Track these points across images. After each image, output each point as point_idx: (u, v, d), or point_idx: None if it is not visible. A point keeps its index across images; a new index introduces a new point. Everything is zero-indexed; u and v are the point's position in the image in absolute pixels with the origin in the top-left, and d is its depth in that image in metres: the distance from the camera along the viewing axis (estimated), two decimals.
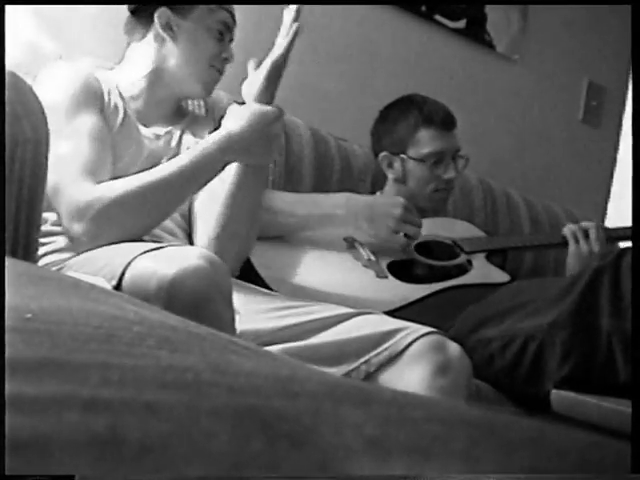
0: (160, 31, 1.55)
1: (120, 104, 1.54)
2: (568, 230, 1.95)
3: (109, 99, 1.53)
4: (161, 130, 1.59)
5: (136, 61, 1.58)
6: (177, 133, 1.60)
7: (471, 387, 1.47)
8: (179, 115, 1.67)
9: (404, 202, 1.75)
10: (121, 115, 1.52)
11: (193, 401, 0.29)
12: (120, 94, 1.56)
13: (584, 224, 1.95)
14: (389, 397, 0.35)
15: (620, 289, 1.48)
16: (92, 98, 1.48)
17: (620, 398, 1.31)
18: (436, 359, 1.36)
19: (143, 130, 1.55)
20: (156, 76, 1.57)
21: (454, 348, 1.40)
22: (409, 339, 1.38)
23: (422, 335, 1.38)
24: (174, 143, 1.58)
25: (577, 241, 1.92)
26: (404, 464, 0.25)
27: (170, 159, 1.51)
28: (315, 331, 1.42)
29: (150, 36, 1.56)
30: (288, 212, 1.73)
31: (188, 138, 1.61)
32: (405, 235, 1.77)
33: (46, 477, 0.22)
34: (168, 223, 1.54)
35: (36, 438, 0.23)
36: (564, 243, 1.98)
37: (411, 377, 1.35)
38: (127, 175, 1.42)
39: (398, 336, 1.38)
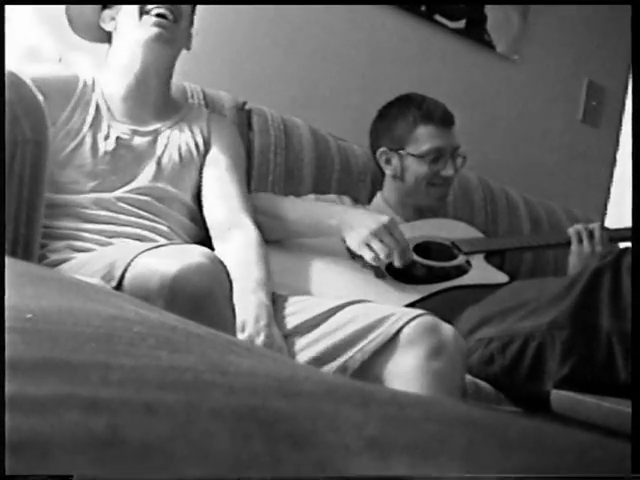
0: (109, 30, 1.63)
1: (93, 102, 1.58)
2: (573, 230, 1.95)
3: (79, 98, 1.57)
4: (145, 127, 1.60)
5: (117, 63, 1.62)
6: (164, 132, 1.62)
7: (466, 368, 1.46)
8: (173, 109, 1.68)
9: (387, 221, 1.66)
10: (92, 114, 1.56)
11: (193, 401, 0.29)
12: (102, 94, 1.60)
13: (590, 225, 1.96)
14: (389, 397, 0.35)
15: (620, 289, 1.48)
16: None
17: (620, 398, 1.31)
18: (430, 341, 1.36)
19: (119, 127, 1.57)
20: (132, 76, 1.60)
21: (447, 329, 1.39)
22: (400, 323, 1.37)
23: (413, 318, 1.38)
24: (156, 141, 1.60)
25: (580, 241, 1.92)
26: (404, 464, 0.25)
27: (149, 158, 1.57)
28: (308, 329, 1.43)
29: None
30: (285, 218, 1.73)
31: (174, 134, 1.62)
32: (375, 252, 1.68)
33: (46, 477, 0.22)
34: (174, 235, 1.55)
35: (36, 438, 0.23)
36: (562, 243, 1.98)
37: (406, 361, 1.35)
38: (98, 170, 1.50)
39: (389, 321, 1.38)
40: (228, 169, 1.64)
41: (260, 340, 1.32)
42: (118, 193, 1.52)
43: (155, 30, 1.55)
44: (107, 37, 1.65)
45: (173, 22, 1.57)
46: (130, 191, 1.53)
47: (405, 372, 1.34)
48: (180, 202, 1.60)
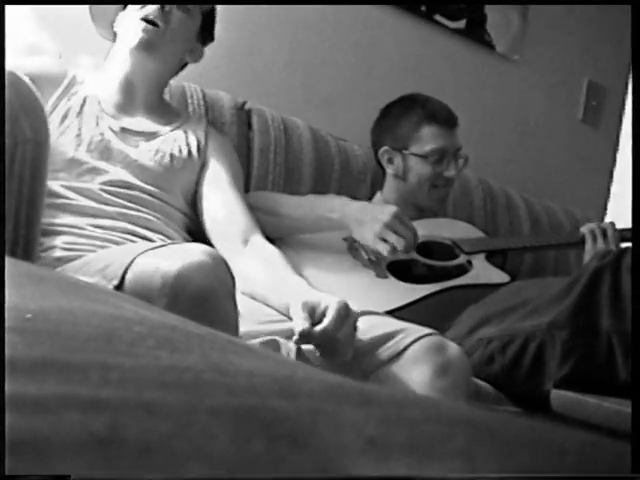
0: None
1: (81, 94, 1.59)
2: (586, 229, 1.96)
3: (66, 88, 1.59)
4: (139, 128, 1.60)
5: (111, 62, 1.65)
6: (161, 136, 1.62)
7: (470, 388, 1.46)
8: (171, 114, 1.69)
9: (396, 211, 1.66)
10: (79, 104, 1.58)
11: (193, 401, 0.29)
12: (93, 88, 1.61)
13: (602, 224, 1.96)
14: (389, 397, 0.35)
15: (620, 289, 1.48)
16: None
17: (620, 398, 1.31)
18: (436, 360, 1.36)
19: (109, 120, 1.59)
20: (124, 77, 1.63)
21: (453, 349, 1.39)
22: (408, 340, 1.37)
23: (421, 337, 1.38)
24: (150, 142, 1.60)
25: (595, 239, 1.93)
26: (404, 464, 0.25)
27: (139, 157, 1.57)
28: None
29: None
30: (284, 214, 1.73)
31: (170, 138, 1.64)
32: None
33: (44, 477, 0.22)
34: (170, 231, 1.55)
35: (36, 438, 0.23)
36: (575, 243, 1.99)
37: (411, 378, 1.35)
38: (81, 158, 1.51)
39: (397, 338, 1.38)
40: (230, 184, 1.64)
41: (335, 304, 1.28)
42: (101, 184, 1.52)
43: (139, 35, 1.57)
44: (114, 38, 1.67)
45: (159, 30, 1.57)
46: (112, 182, 1.53)
47: (409, 389, 1.34)
48: (167, 202, 1.59)
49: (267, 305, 1.41)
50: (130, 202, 1.53)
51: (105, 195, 1.51)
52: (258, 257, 1.49)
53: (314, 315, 1.28)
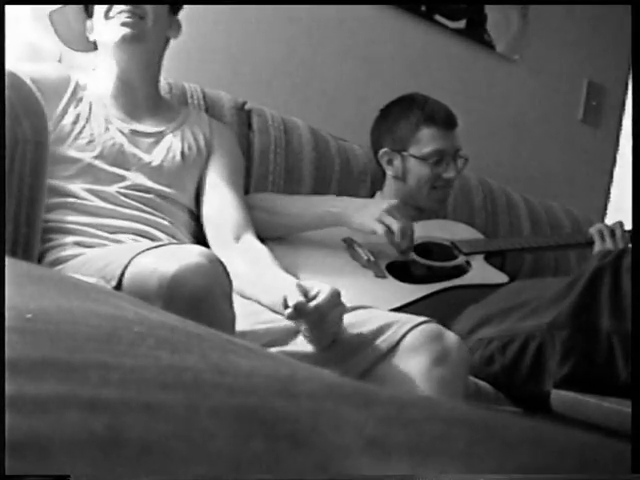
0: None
1: (86, 100, 1.58)
2: (595, 229, 1.96)
3: (72, 96, 1.58)
4: (146, 128, 1.60)
5: (101, 66, 1.64)
6: (167, 135, 1.62)
7: (470, 387, 1.46)
8: (171, 111, 1.69)
9: (397, 203, 1.70)
10: (86, 111, 1.57)
11: (193, 401, 0.29)
12: (96, 94, 1.60)
13: (610, 224, 1.97)
14: (389, 397, 0.35)
15: (620, 289, 1.48)
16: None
17: (620, 398, 1.31)
18: (434, 348, 1.35)
19: (118, 124, 1.58)
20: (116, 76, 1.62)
21: (451, 337, 1.39)
22: (404, 330, 1.37)
23: (417, 325, 1.38)
24: (159, 143, 1.60)
25: (603, 239, 1.93)
26: (404, 464, 0.25)
27: (151, 159, 1.57)
28: None
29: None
30: (284, 212, 1.74)
31: (177, 137, 1.63)
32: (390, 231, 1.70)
33: (44, 477, 0.22)
34: (180, 235, 1.55)
35: (36, 438, 0.23)
36: (583, 243, 1.99)
37: (410, 368, 1.35)
38: (96, 165, 1.51)
39: (393, 328, 1.38)
40: (230, 180, 1.65)
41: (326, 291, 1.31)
42: (119, 188, 1.53)
43: (122, 31, 1.55)
44: (94, 46, 1.66)
45: (139, 19, 1.56)
46: (130, 187, 1.54)
47: (408, 378, 1.34)
48: (180, 202, 1.60)
49: (258, 302, 1.42)
50: (145, 205, 1.53)
51: (122, 198, 1.52)
52: (248, 255, 1.50)
53: (307, 296, 1.31)
